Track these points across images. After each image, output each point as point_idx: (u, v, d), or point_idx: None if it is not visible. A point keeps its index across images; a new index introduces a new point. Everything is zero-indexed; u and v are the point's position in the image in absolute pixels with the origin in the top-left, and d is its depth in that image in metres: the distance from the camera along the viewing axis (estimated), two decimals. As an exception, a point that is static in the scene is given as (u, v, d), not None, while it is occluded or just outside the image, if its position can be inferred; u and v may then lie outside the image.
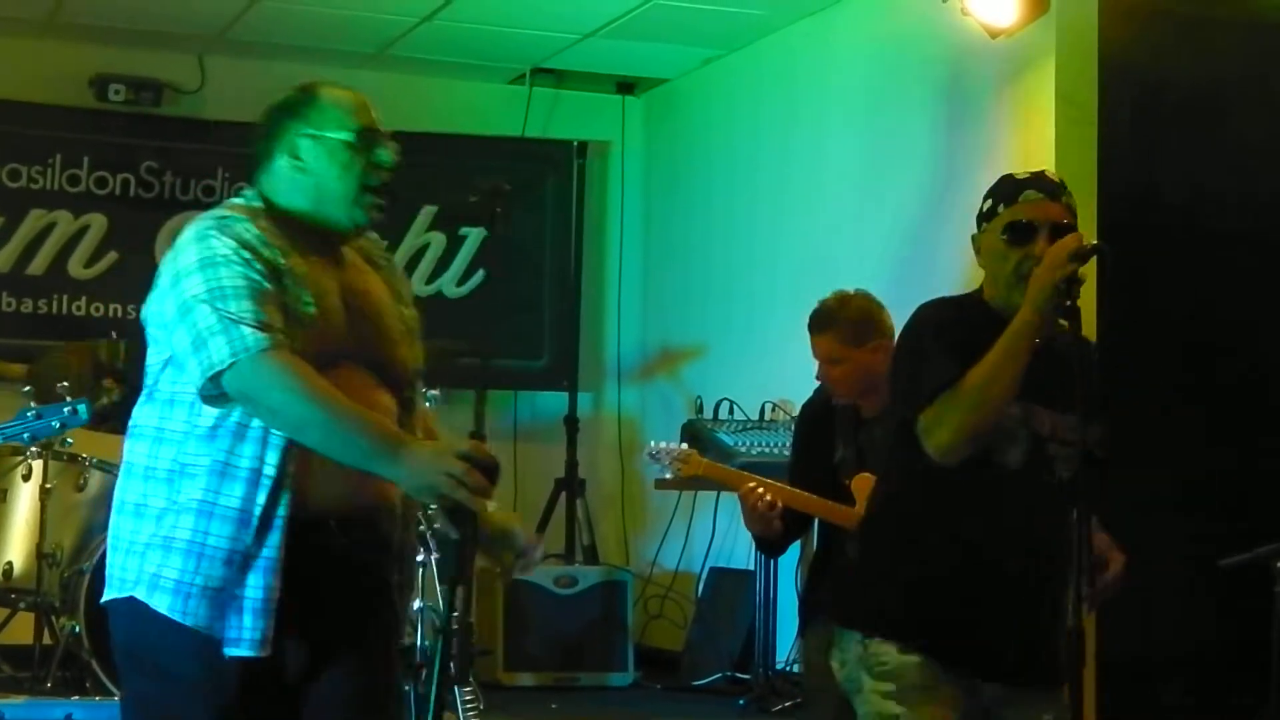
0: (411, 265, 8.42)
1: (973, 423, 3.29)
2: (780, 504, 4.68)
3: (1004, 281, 3.40)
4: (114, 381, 6.35)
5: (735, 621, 7.45)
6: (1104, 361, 3.61)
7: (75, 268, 8.14)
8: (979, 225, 3.48)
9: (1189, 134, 6.34)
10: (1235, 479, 6.16)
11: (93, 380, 6.36)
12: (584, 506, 8.27)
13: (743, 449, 6.88)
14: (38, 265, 8.09)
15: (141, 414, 3.12)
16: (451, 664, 3.21)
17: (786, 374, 6.63)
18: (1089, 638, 4.55)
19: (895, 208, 7.09)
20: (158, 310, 3.06)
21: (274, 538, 2.99)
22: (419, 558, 5.48)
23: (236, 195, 3.23)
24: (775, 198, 7.97)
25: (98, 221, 8.17)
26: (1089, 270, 3.26)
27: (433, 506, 3.05)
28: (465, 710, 5.50)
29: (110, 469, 6.11)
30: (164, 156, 8.27)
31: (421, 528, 5.16)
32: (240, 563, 2.99)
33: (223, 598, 2.99)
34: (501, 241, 7.87)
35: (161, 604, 3.00)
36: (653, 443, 5.23)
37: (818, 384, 4.95)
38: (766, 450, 6.88)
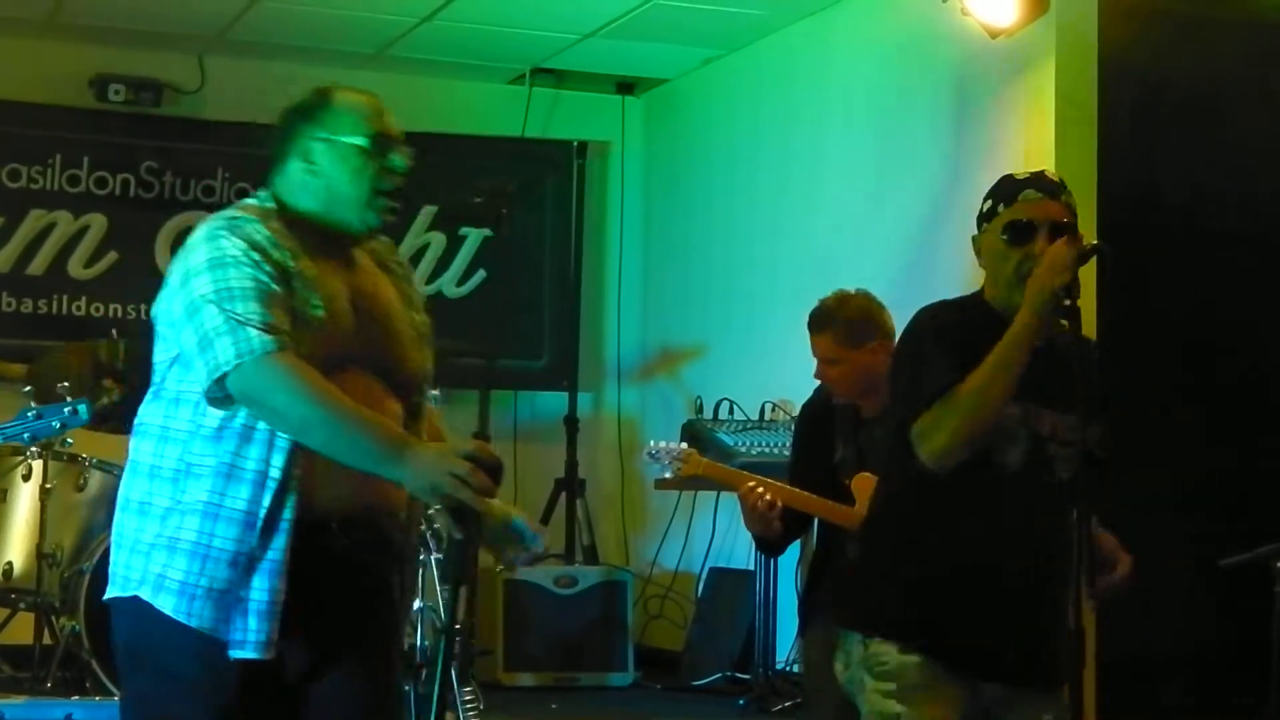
0: (411, 265, 8.36)
1: (968, 428, 3.29)
2: (780, 504, 4.66)
3: (1004, 282, 3.40)
4: (114, 381, 6.34)
5: (735, 621, 7.44)
6: (1104, 361, 3.62)
7: (75, 268, 8.14)
8: (979, 226, 3.48)
9: (1189, 134, 6.34)
10: (1235, 479, 6.16)
11: (93, 380, 6.35)
12: (584, 506, 8.26)
13: (743, 449, 6.88)
14: (38, 265, 8.08)
15: (147, 411, 3.12)
16: (453, 665, 3.21)
17: (786, 374, 6.62)
18: (1089, 638, 4.55)
19: (895, 207, 7.09)
20: (167, 308, 3.06)
21: (279, 540, 2.99)
22: (419, 558, 5.48)
23: (250, 196, 3.22)
24: (775, 198, 7.97)
25: (98, 222, 8.16)
26: (1089, 270, 3.27)
27: (436, 506, 3.05)
28: (465, 710, 5.49)
29: (110, 469, 6.11)
30: (164, 157, 8.26)
31: (421, 528, 5.16)
32: (245, 565, 2.99)
33: (228, 600, 2.99)
34: (502, 242, 7.86)
35: (166, 605, 3.00)
36: (652, 442, 5.20)
37: (818, 384, 4.95)
38: (766, 450, 6.87)
